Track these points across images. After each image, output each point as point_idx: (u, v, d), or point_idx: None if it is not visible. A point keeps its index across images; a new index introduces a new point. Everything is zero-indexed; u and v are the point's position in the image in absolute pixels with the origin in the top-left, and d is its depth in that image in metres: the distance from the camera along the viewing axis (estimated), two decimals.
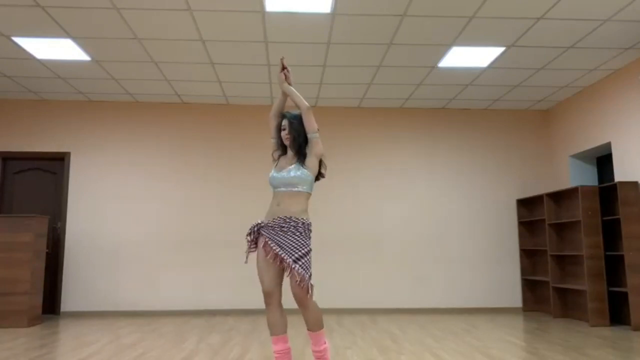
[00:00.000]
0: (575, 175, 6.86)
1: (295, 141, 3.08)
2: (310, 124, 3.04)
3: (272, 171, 3.12)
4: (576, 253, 5.91)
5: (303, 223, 2.98)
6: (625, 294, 5.67)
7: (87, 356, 4.08)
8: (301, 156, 3.07)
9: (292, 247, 2.91)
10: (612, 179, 6.32)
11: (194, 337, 4.97)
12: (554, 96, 6.89)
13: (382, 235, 7.11)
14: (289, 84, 3.18)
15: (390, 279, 7.03)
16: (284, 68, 3.17)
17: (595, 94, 6.36)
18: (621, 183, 5.50)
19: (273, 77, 6.13)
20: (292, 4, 4.35)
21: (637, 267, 5.33)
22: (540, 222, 7.03)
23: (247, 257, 3.09)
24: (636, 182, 5.54)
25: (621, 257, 5.73)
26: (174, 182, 7.03)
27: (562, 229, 6.56)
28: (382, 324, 5.81)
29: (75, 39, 5.05)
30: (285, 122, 3.12)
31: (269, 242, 2.95)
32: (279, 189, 3.05)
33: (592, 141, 6.39)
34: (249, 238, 3.07)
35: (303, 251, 2.92)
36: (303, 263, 2.90)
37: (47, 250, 6.66)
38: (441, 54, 5.46)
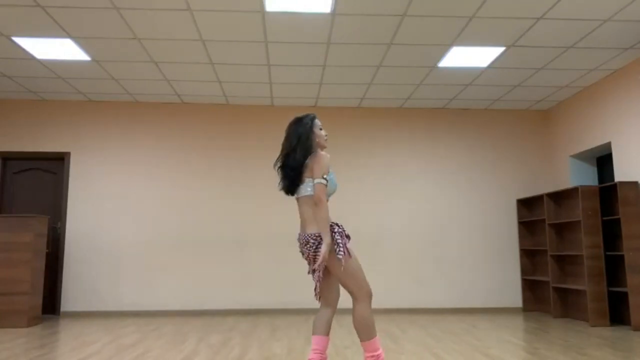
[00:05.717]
0: (575, 175, 6.86)
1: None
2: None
3: (332, 175, 2.94)
4: (576, 253, 5.91)
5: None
6: (625, 294, 5.67)
7: (87, 356, 4.08)
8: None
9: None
10: (612, 179, 6.33)
11: (194, 337, 4.97)
12: (554, 96, 6.89)
13: (382, 235, 7.11)
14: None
15: (391, 279, 7.04)
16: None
17: (595, 94, 6.36)
18: (621, 183, 5.50)
19: (273, 77, 6.13)
20: (292, 4, 4.35)
21: (637, 267, 5.33)
22: (540, 222, 7.03)
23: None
24: (636, 182, 5.54)
25: (621, 257, 5.73)
26: (174, 182, 7.03)
27: (562, 229, 6.56)
28: (382, 324, 5.81)
29: (75, 39, 5.05)
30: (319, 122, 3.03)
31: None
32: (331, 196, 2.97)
33: (592, 141, 6.39)
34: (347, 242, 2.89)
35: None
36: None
37: (47, 250, 6.66)
38: (441, 54, 5.46)
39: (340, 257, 2.77)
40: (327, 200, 2.86)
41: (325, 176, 2.82)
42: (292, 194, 2.97)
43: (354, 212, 7.14)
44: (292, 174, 2.89)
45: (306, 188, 2.89)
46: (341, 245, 2.80)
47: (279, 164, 2.98)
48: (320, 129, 3.00)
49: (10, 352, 4.24)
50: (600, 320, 5.61)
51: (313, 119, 2.99)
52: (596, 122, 6.32)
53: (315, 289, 2.90)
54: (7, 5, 4.36)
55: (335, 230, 2.83)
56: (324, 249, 2.73)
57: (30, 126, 6.98)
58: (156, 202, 6.97)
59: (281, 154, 2.98)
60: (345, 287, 2.88)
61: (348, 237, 2.89)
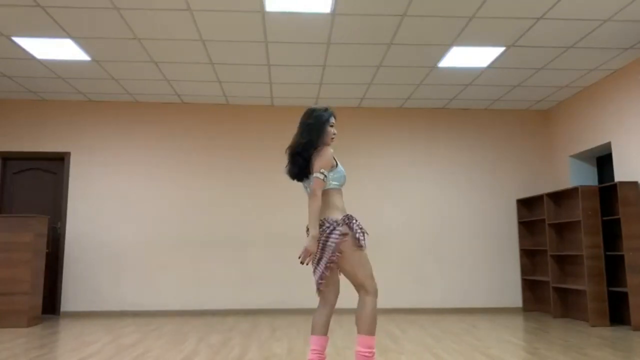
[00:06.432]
0: (575, 175, 6.86)
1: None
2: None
3: (340, 167, 3.04)
4: (576, 253, 5.91)
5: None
6: (625, 294, 5.67)
7: (87, 356, 4.08)
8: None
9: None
10: (612, 179, 6.33)
11: (194, 337, 4.97)
12: (554, 96, 6.89)
13: (382, 235, 7.11)
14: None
15: (391, 279, 7.03)
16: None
17: (595, 94, 6.36)
18: (621, 183, 5.50)
19: (273, 77, 6.13)
20: (292, 4, 4.35)
21: (637, 267, 5.33)
22: (540, 222, 7.03)
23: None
24: (636, 182, 5.54)
25: (621, 257, 5.73)
26: (174, 182, 7.03)
27: (562, 229, 6.56)
28: (382, 324, 5.81)
29: (75, 39, 5.05)
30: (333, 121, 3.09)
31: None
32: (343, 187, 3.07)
33: (592, 141, 6.39)
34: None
35: None
36: None
37: (47, 250, 6.66)
38: (441, 54, 5.46)
39: (326, 258, 2.83)
40: (339, 189, 2.99)
41: (322, 170, 2.88)
42: (295, 179, 3.03)
43: (353, 212, 7.13)
44: (303, 163, 2.97)
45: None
46: (333, 245, 2.83)
47: (290, 151, 3.04)
48: (331, 126, 3.06)
49: (10, 352, 4.24)
50: (600, 320, 5.61)
51: (331, 115, 3.08)
52: (596, 122, 6.32)
53: (317, 282, 2.90)
54: (7, 5, 4.36)
55: (337, 229, 2.85)
56: (308, 242, 2.79)
57: (30, 126, 6.98)
58: (156, 202, 6.97)
59: (297, 140, 3.02)
60: (355, 279, 2.90)
61: (363, 232, 2.92)
